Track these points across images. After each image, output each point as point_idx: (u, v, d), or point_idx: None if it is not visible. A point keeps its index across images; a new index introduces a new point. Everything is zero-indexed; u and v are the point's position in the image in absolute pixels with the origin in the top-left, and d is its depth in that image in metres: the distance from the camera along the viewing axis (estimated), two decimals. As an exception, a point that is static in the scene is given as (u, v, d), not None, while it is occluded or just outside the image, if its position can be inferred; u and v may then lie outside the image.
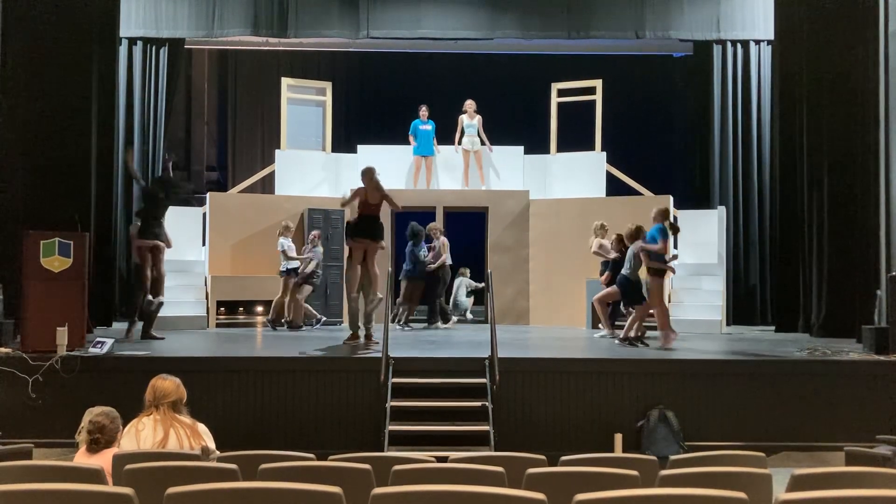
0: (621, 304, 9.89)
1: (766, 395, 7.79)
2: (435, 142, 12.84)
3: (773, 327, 11.72)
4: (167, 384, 4.49)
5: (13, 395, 7.50)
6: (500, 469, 3.77)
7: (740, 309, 12.57)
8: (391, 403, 7.38)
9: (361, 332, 8.96)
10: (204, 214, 12.11)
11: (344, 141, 14.07)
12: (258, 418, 7.62)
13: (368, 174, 8.84)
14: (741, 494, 2.88)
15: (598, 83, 12.92)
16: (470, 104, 12.76)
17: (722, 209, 12.19)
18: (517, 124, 13.90)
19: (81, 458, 4.31)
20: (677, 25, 12.83)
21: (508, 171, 13.12)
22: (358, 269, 8.90)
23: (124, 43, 12.17)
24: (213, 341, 9.45)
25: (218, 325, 11.37)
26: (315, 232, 11.36)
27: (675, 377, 7.86)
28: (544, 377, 7.78)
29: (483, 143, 12.75)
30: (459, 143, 12.75)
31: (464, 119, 12.72)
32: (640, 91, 15.42)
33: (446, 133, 12.95)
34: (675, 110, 15.60)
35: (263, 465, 3.84)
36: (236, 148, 16.21)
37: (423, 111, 12.77)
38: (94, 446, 4.33)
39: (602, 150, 12.87)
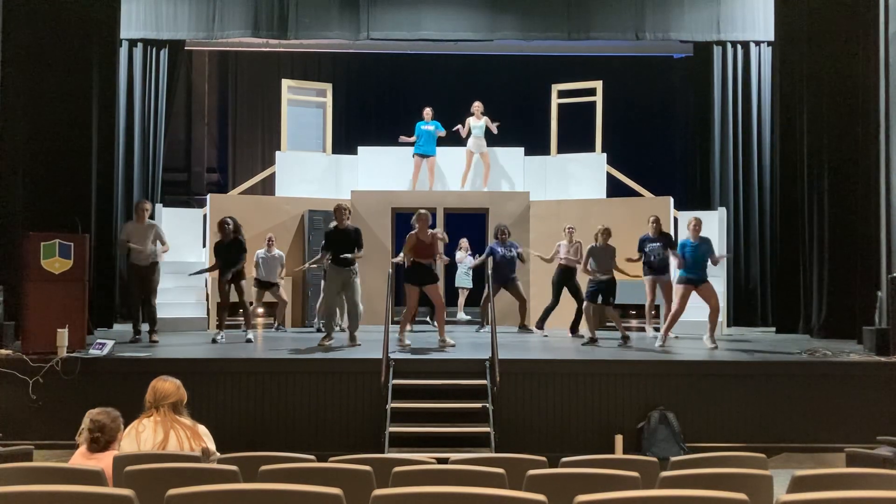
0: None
1: (766, 397, 7.79)
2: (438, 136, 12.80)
3: (773, 328, 11.72)
4: (168, 385, 4.48)
5: (13, 396, 7.51)
6: (500, 470, 3.77)
7: (741, 310, 12.57)
8: (392, 405, 7.38)
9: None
10: (204, 216, 12.10)
11: (344, 142, 14.06)
12: (259, 420, 7.63)
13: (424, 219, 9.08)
14: (742, 496, 2.87)
15: (598, 84, 12.92)
16: (477, 106, 12.70)
17: (722, 210, 12.19)
18: (517, 125, 13.89)
19: (79, 459, 4.30)
20: (677, 27, 12.83)
21: (509, 172, 13.13)
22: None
23: (125, 44, 12.19)
24: (211, 342, 9.44)
25: (218, 327, 11.35)
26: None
27: (675, 378, 7.86)
28: (545, 379, 7.78)
29: (490, 129, 12.70)
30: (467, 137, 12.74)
31: (471, 121, 12.70)
32: (641, 92, 15.42)
33: (452, 137, 12.92)
34: (675, 112, 15.60)
35: (264, 467, 3.84)
36: (237, 149, 16.21)
37: (427, 112, 12.75)
38: (95, 445, 4.32)
39: (602, 151, 12.86)
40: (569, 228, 10.59)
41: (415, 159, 12.74)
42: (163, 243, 9.66)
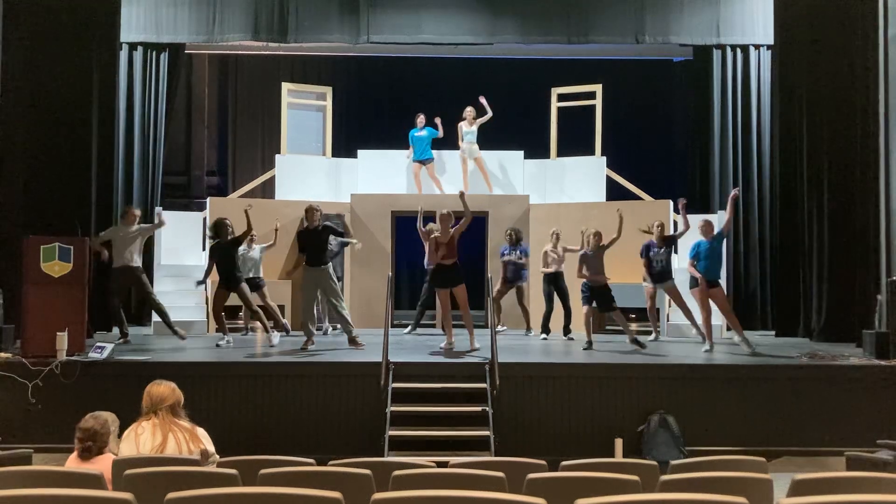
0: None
1: (766, 400, 7.79)
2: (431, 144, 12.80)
3: (773, 332, 11.72)
4: (162, 389, 4.49)
5: (13, 400, 7.51)
6: (500, 474, 3.77)
7: (741, 313, 12.49)
8: (391, 408, 7.38)
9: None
10: (204, 219, 12.08)
11: (344, 146, 14.05)
12: (258, 423, 7.62)
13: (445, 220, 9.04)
14: (742, 499, 2.87)
15: (598, 88, 12.92)
16: (469, 111, 12.72)
17: (722, 214, 12.16)
18: (517, 129, 13.89)
19: (72, 465, 4.28)
20: (677, 30, 12.82)
21: (509, 175, 13.12)
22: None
23: (125, 48, 12.18)
24: (213, 346, 9.44)
25: (218, 330, 11.34)
26: None
27: (675, 382, 7.86)
28: (544, 382, 7.78)
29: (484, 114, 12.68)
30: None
31: (462, 126, 12.70)
32: (640, 96, 15.42)
33: (450, 139, 12.91)
34: (675, 115, 15.60)
35: (263, 470, 3.84)
36: (236, 152, 16.20)
37: (419, 119, 12.75)
38: (87, 454, 4.28)
39: (602, 154, 12.87)
40: (555, 232, 10.68)
41: (413, 166, 12.75)
42: (156, 225, 10.08)
